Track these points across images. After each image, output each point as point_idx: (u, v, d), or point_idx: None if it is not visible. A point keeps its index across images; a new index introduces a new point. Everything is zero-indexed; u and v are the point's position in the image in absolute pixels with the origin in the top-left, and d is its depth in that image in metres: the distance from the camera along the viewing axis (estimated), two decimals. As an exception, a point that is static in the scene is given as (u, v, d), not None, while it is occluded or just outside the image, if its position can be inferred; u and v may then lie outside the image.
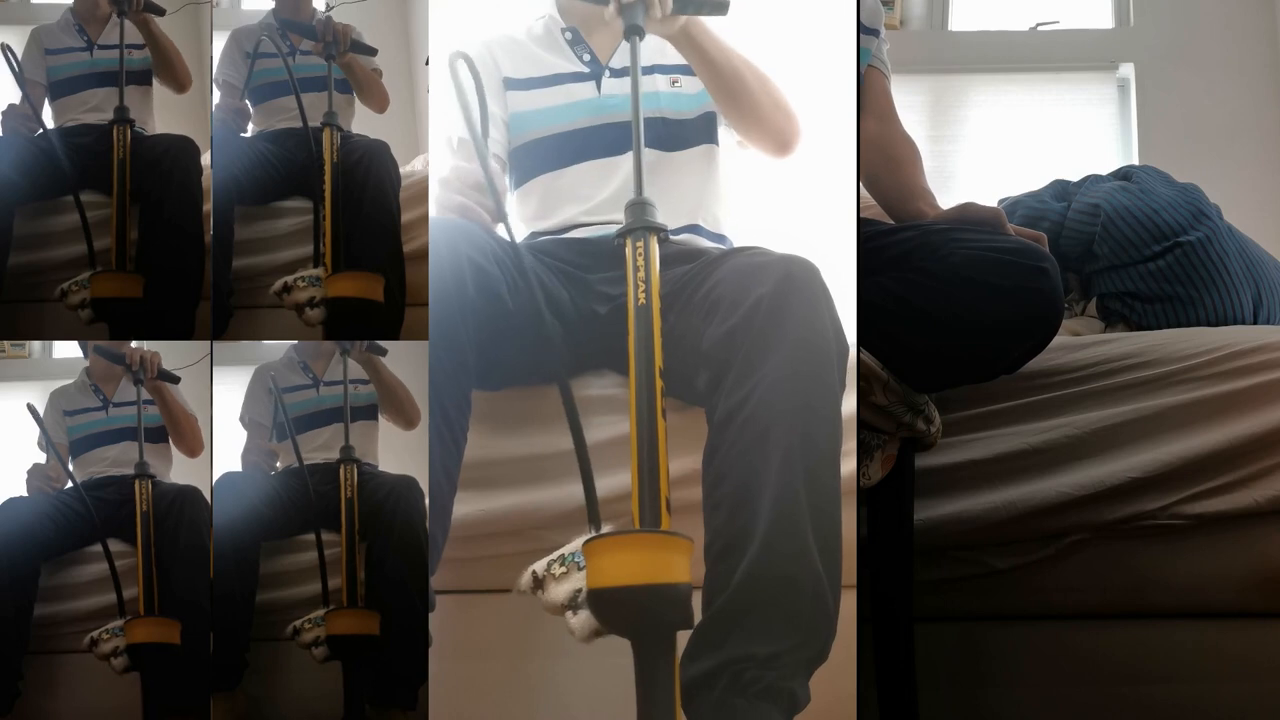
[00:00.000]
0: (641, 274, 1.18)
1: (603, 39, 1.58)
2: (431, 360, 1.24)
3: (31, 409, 1.74)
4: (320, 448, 1.71)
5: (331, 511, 1.68)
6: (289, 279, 1.64)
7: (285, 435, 1.71)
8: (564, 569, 1.13)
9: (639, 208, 1.21)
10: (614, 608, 1.11)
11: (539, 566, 1.15)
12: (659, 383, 1.15)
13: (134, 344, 1.72)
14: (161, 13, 1.71)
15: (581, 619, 1.11)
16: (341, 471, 1.68)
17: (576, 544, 1.14)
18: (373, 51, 1.70)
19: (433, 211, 1.40)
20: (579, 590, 1.12)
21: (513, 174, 1.59)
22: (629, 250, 1.20)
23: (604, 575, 1.11)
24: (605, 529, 1.15)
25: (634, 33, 1.29)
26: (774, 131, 1.53)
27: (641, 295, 1.17)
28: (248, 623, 1.65)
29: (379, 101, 1.72)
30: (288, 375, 1.73)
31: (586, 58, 1.57)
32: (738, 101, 1.50)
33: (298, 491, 1.70)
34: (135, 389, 1.73)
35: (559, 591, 1.13)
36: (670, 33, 1.39)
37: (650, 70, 1.53)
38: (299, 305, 1.63)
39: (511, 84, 1.57)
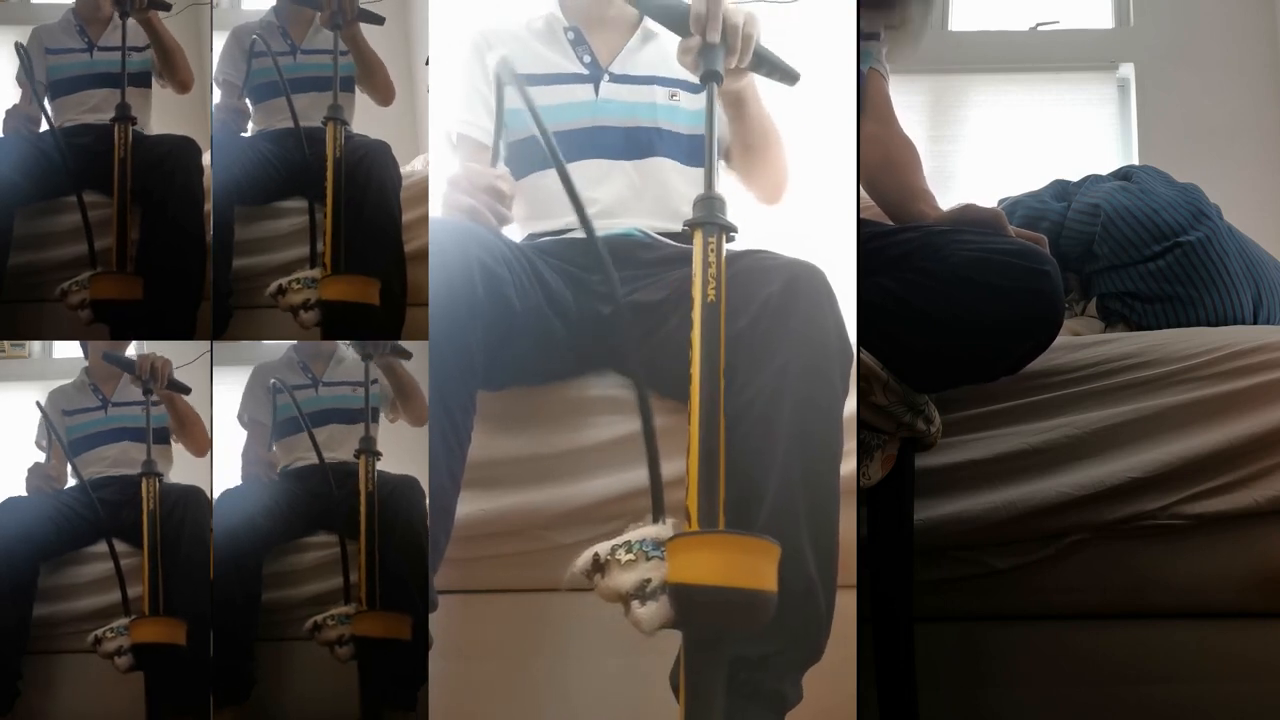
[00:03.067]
0: (713, 270, 1.16)
1: (605, 41, 1.57)
2: (435, 362, 1.24)
3: (40, 406, 1.74)
4: (320, 447, 1.71)
5: (335, 510, 1.67)
6: (284, 281, 1.63)
7: (284, 434, 1.71)
8: (631, 556, 1.10)
9: (710, 203, 1.19)
10: (700, 606, 1.08)
11: (602, 550, 1.11)
12: (722, 381, 1.13)
13: (142, 350, 1.72)
14: (167, 8, 1.71)
15: (650, 610, 1.08)
16: (361, 464, 1.67)
17: (643, 532, 1.12)
18: (380, 20, 1.69)
19: (439, 212, 1.39)
20: (648, 580, 1.09)
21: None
22: (699, 245, 1.17)
23: (693, 572, 1.08)
24: (669, 521, 1.13)
25: (711, 78, 1.26)
26: (770, 186, 1.57)
27: (712, 292, 1.15)
28: (253, 633, 1.65)
29: (384, 91, 1.71)
30: (287, 375, 1.73)
31: (587, 59, 1.56)
32: (752, 156, 1.53)
33: (297, 496, 1.69)
34: (137, 389, 1.72)
35: (625, 579, 1.09)
36: (732, 88, 1.40)
37: (649, 81, 1.54)
38: (293, 308, 1.62)
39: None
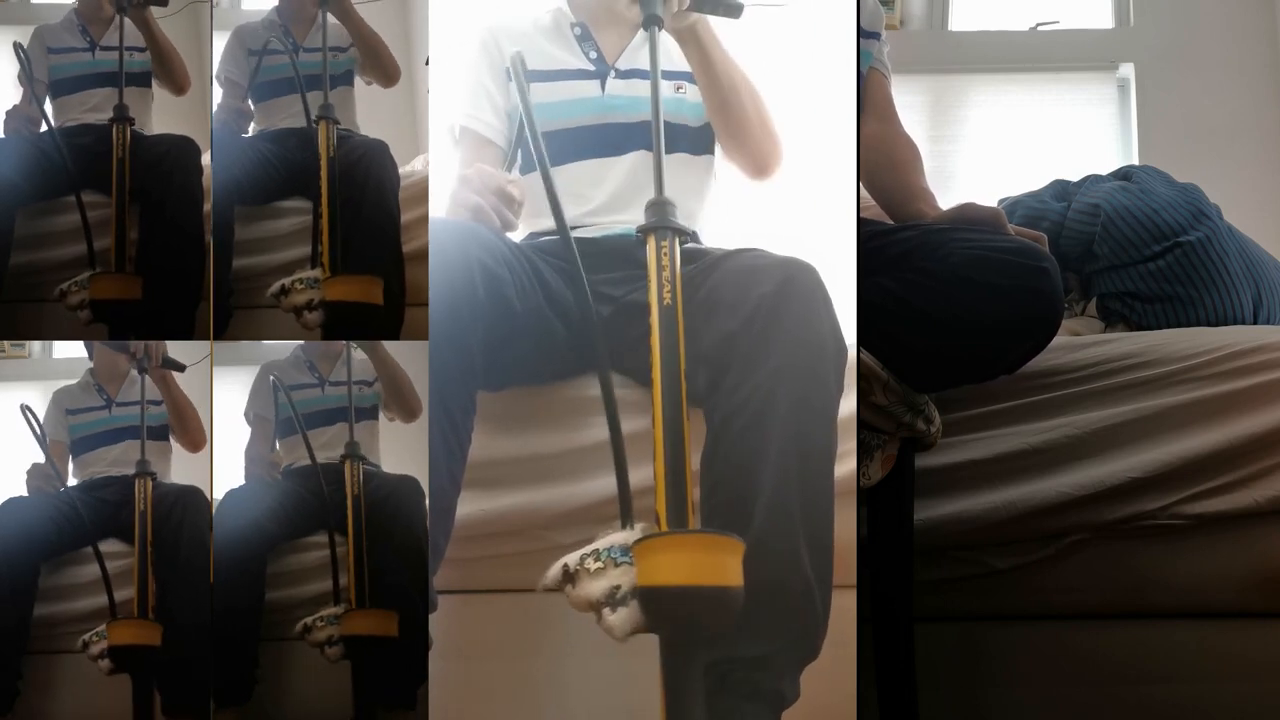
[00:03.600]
0: (667, 273, 1.17)
1: (611, 38, 1.57)
2: (435, 363, 1.23)
3: (24, 408, 1.73)
4: (323, 447, 1.71)
5: (336, 511, 1.68)
6: (286, 281, 1.62)
7: (289, 433, 1.71)
8: (599, 564, 1.11)
9: (661, 207, 1.20)
10: (669, 607, 1.08)
11: (571, 560, 1.12)
12: (684, 384, 1.14)
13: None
14: (164, 2, 1.70)
15: (621, 616, 1.09)
16: (347, 469, 1.67)
17: (611, 539, 1.13)
18: None
19: (443, 210, 1.39)
20: (617, 587, 1.09)
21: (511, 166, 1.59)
22: (652, 250, 1.19)
23: (660, 574, 1.09)
24: (638, 525, 1.14)
25: (653, 22, 1.29)
26: (755, 151, 1.53)
27: (668, 295, 1.16)
28: (256, 635, 1.65)
29: (385, 68, 1.70)
30: (293, 373, 1.73)
31: (593, 55, 1.56)
32: (727, 112, 1.49)
33: (300, 497, 1.69)
34: (138, 388, 1.72)
35: (594, 587, 1.10)
36: (681, 27, 1.39)
37: None
38: (297, 308, 1.62)
39: None
